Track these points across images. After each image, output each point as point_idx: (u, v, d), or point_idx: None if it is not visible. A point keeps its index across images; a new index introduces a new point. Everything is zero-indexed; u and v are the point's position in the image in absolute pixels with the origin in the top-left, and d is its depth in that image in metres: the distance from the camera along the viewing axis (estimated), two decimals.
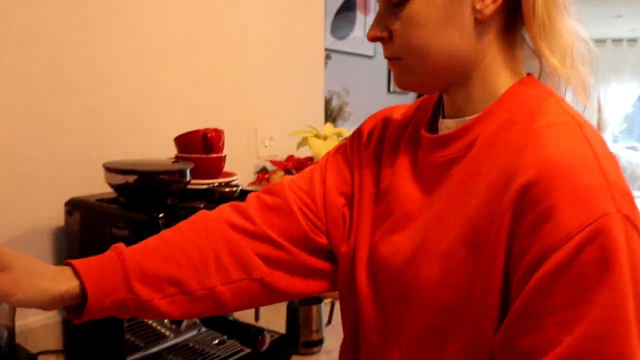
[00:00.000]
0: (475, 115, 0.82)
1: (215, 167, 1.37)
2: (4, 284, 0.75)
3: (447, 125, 0.86)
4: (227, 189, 1.28)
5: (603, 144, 0.75)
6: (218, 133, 1.36)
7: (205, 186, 1.31)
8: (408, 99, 4.84)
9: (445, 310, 0.77)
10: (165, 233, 0.92)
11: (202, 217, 0.94)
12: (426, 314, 0.80)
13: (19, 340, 1.22)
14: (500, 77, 0.82)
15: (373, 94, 4.28)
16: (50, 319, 1.39)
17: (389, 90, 4.54)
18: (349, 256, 0.93)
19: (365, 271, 0.90)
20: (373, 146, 0.97)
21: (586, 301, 0.66)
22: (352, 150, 0.99)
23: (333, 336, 1.58)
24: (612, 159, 0.74)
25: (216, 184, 1.31)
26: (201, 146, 1.34)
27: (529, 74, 0.84)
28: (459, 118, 0.84)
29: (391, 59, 0.84)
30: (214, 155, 1.35)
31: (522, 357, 0.69)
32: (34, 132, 1.33)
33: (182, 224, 0.93)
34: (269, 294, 0.93)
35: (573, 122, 0.76)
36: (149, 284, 0.84)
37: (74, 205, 1.30)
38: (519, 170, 0.71)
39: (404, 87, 0.85)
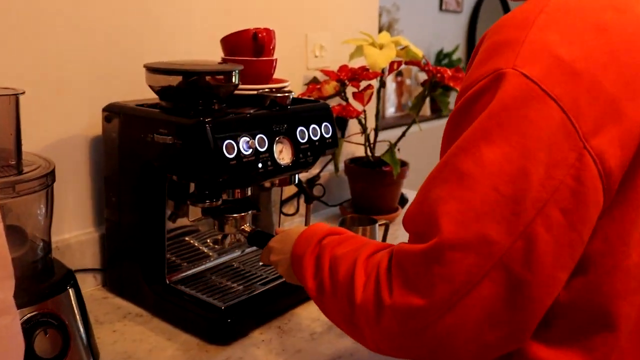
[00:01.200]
0: None
1: (266, 72, 1.29)
2: None
3: None
4: (280, 95, 1.20)
5: (568, 8, 0.72)
6: (269, 33, 1.27)
7: (255, 91, 1.23)
8: (460, 18, 4.67)
9: None
10: None
11: None
12: None
13: (55, 255, 1.18)
14: None
15: (423, 11, 4.13)
16: (87, 234, 1.35)
17: (440, 8, 4.38)
18: None
19: None
20: None
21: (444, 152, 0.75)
22: None
23: None
24: (567, 19, 0.71)
25: (267, 90, 1.23)
26: (251, 48, 1.26)
27: None
28: None
29: None
30: (265, 58, 1.27)
31: None
32: (69, 33, 1.26)
33: None
34: None
35: None
36: None
37: (112, 111, 1.24)
38: None
39: None
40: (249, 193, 1.21)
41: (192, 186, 1.22)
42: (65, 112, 1.28)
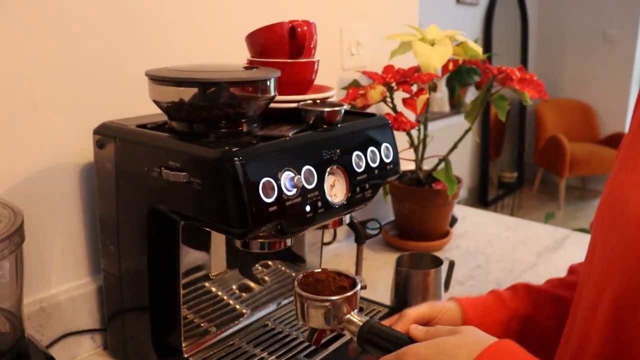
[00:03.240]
0: None
1: (306, 77, 0.94)
2: None
3: None
4: (328, 109, 0.85)
5: None
6: (310, 27, 0.92)
7: (294, 104, 0.88)
8: (477, 11, 4.32)
9: None
10: None
11: None
12: None
13: (38, 319, 0.85)
14: None
15: (440, 4, 3.79)
16: (81, 288, 1.01)
17: (457, 0, 4.04)
18: None
19: None
20: None
21: None
22: None
23: None
24: None
25: (309, 102, 0.88)
26: (286, 46, 0.91)
27: None
28: None
29: None
30: (305, 59, 0.92)
31: None
32: (47, 31, 0.90)
33: None
34: None
35: None
36: None
37: (106, 134, 0.89)
38: None
39: None
40: (290, 243, 0.86)
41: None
42: (45, 136, 0.93)
